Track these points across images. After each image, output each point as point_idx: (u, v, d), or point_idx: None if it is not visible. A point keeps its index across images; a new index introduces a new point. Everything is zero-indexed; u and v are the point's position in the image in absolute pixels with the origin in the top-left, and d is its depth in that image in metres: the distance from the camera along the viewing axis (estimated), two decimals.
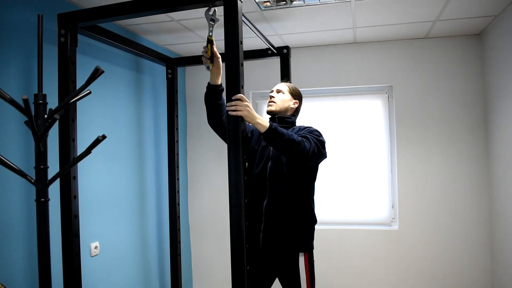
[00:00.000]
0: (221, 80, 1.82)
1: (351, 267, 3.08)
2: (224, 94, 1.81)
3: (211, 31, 1.70)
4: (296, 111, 2.12)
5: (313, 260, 1.97)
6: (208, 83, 1.85)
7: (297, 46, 3.12)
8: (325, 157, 1.91)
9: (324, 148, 1.88)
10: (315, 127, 2.00)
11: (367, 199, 3.12)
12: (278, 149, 1.74)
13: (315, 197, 2.05)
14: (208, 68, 1.78)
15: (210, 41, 1.73)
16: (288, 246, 1.92)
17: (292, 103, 2.07)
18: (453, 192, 2.90)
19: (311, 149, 1.78)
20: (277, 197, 1.92)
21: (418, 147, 2.97)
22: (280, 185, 1.93)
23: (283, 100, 2.05)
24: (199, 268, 3.40)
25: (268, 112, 2.06)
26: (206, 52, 1.74)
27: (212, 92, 1.84)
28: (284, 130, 1.72)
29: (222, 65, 1.79)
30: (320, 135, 1.92)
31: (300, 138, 1.75)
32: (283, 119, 2.04)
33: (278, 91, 2.08)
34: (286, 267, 1.94)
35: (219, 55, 1.78)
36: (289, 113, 2.07)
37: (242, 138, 1.51)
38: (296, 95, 2.11)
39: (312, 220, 2.00)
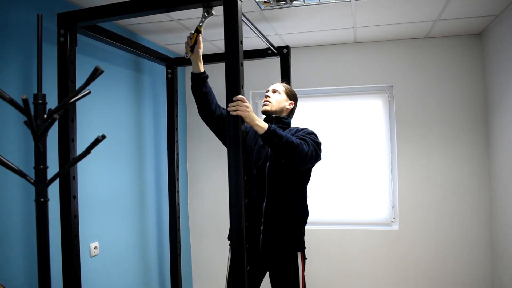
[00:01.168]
0: (203, 67, 1.87)
1: (351, 267, 3.07)
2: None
3: (203, 22, 1.72)
4: (291, 112, 2.11)
5: (306, 258, 2.01)
6: (191, 72, 1.87)
7: (297, 46, 3.12)
8: (320, 159, 1.91)
9: (320, 150, 1.89)
10: (311, 129, 1.99)
11: (368, 199, 3.11)
12: (276, 151, 1.74)
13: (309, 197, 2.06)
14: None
15: (198, 31, 1.76)
16: (288, 247, 1.92)
17: (287, 104, 2.06)
18: (454, 192, 2.90)
19: (309, 151, 1.78)
20: (277, 198, 1.91)
21: (418, 147, 2.96)
22: (280, 186, 1.91)
23: (278, 100, 2.04)
24: (199, 268, 3.40)
25: (263, 112, 2.04)
26: (191, 39, 1.78)
27: (197, 80, 1.85)
28: (283, 132, 1.72)
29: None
30: (317, 137, 1.92)
31: (298, 141, 1.75)
32: (280, 119, 2.03)
33: (274, 91, 2.07)
34: (284, 267, 1.93)
35: (202, 46, 1.82)
36: (284, 114, 2.06)
37: (242, 138, 1.51)
38: (292, 96, 2.10)
39: (306, 219, 2.02)
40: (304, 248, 1.98)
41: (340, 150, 3.16)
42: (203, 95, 1.86)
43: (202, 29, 1.76)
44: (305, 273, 1.98)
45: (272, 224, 1.90)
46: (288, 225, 1.91)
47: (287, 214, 1.91)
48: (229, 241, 2.04)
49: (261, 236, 1.90)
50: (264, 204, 1.91)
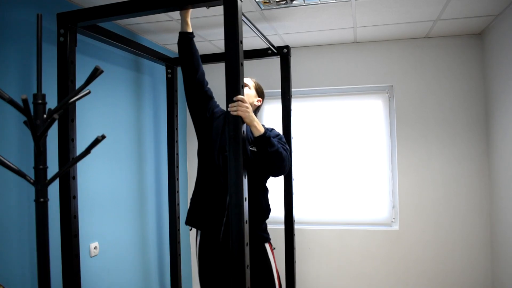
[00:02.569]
0: (191, 28, 1.93)
1: (351, 267, 3.07)
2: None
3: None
4: (258, 109, 2.15)
5: (274, 248, 2.07)
6: (179, 31, 1.92)
7: (297, 46, 3.12)
8: None
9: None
10: (277, 130, 2.05)
11: (368, 199, 3.11)
12: (263, 157, 1.77)
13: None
14: None
15: None
16: (252, 240, 1.92)
17: (256, 100, 2.10)
18: (454, 192, 2.90)
19: (289, 164, 1.86)
20: None
21: (418, 147, 2.96)
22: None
23: (248, 95, 2.05)
24: None
25: None
26: None
27: (183, 39, 1.90)
28: (275, 141, 1.76)
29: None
30: (286, 142, 1.99)
31: (285, 153, 1.80)
32: None
33: (245, 85, 2.08)
34: (252, 259, 1.93)
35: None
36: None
37: (242, 139, 1.51)
38: (261, 92, 2.13)
39: (269, 214, 2.06)
40: (269, 239, 2.03)
41: (340, 150, 3.16)
42: (189, 55, 1.90)
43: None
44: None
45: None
46: (250, 220, 1.91)
47: (251, 209, 1.92)
48: (189, 227, 2.08)
49: (222, 228, 1.93)
50: (228, 198, 1.91)
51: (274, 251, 2.06)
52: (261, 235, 2.00)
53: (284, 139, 2.00)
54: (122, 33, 2.35)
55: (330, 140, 3.18)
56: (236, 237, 1.47)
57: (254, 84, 2.11)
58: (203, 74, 1.98)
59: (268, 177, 2.08)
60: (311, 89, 3.21)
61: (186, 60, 1.91)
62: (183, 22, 1.90)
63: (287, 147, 1.94)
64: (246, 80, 2.11)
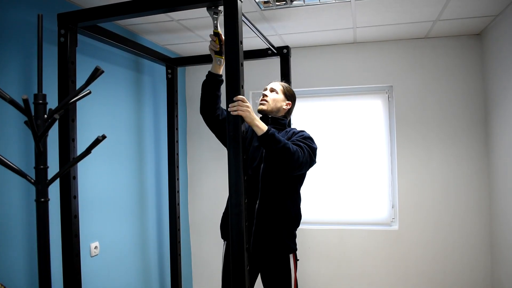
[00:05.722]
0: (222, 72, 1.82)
1: (351, 267, 3.07)
2: (223, 87, 1.80)
3: (216, 23, 1.70)
4: (288, 112, 2.08)
5: (298, 259, 2.00)
6: (209, 71, 1.84)
7: (297, 46, 3.12)
8: (315, 163, 1.89)
9: (315, 155, 1.87)
10: (307, 132, 1.96)
11: (367, 199, 3.12)
12: (270, 155, 1.72)
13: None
14: (219, 62, 1.79)
15: (217, 34, 1.74)
16: (279, 249, 1.91)
17: (284, 104, 2.03)
18: (453, 192, 2.90)
19: (304, 159, 1.76)
20: (270, 200, 1.89)
21: (418, 147, 2.97)
22: (273, 188, 1.90)
23: (275, 100, 2.01)
24: (199, 268, 3.40)
25: (259, 111, 2.01)
26: (215, 44, 1.75)
27: (212, 81, 1.84)
28: (281, 138, 1.71)
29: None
30: (312, 141, 1.90)
31: (295, 148, 1.73)
32: (276, 120, 2.01)
33: (272, 90, 2.04)
34: (275, 268, 1.92)
35: None
36: (280, 114, 2.04)
37: (242, 138, 1.51)
38: (290, 96, 2.06)
39: (299, 222, 2.00)
40: (296, 249, 1.97)
41: (340, 150, 3.17)
42: (213, 96, 1.87)
43: (219, 30, 1.73)
44: (298, 273, 1.97)
45: (263, 226, 1.88)
46: (279, 228, 1.90)
47: (280, 217, 1.90)
48: (223, 240, 2.05)
49: (252, 238, 1.88)
50: (257, 205, 1.89)
51: (296, 262, 1.98)
52: (288, 245, 1.92)
53: (306, 136, 1.91)
54: (122, 33, 2.36)
55: (330, 140, 3.18)
56: (236, 237, 1.47)
57: (282, 88, 2.05)
58: (222, 109, 1.94)
59: (301, 183, 2.01)
60: (311, 89, 3.21)
61: (211, 101, 1.87)
62: (220, 65, 1.82)
63: (308, 143, 1.85)
64: (274, 84, 2.06)
